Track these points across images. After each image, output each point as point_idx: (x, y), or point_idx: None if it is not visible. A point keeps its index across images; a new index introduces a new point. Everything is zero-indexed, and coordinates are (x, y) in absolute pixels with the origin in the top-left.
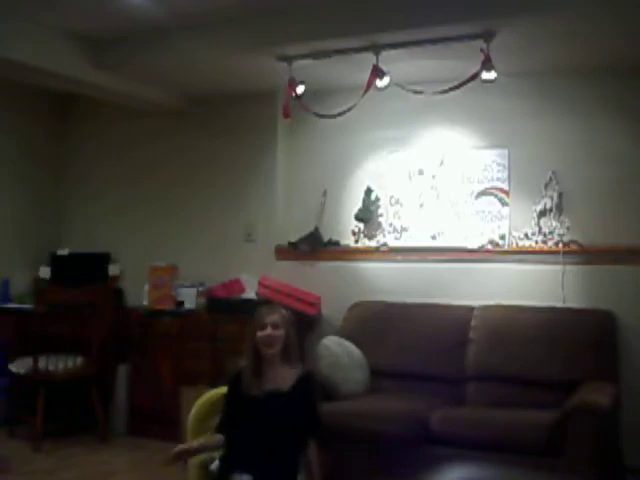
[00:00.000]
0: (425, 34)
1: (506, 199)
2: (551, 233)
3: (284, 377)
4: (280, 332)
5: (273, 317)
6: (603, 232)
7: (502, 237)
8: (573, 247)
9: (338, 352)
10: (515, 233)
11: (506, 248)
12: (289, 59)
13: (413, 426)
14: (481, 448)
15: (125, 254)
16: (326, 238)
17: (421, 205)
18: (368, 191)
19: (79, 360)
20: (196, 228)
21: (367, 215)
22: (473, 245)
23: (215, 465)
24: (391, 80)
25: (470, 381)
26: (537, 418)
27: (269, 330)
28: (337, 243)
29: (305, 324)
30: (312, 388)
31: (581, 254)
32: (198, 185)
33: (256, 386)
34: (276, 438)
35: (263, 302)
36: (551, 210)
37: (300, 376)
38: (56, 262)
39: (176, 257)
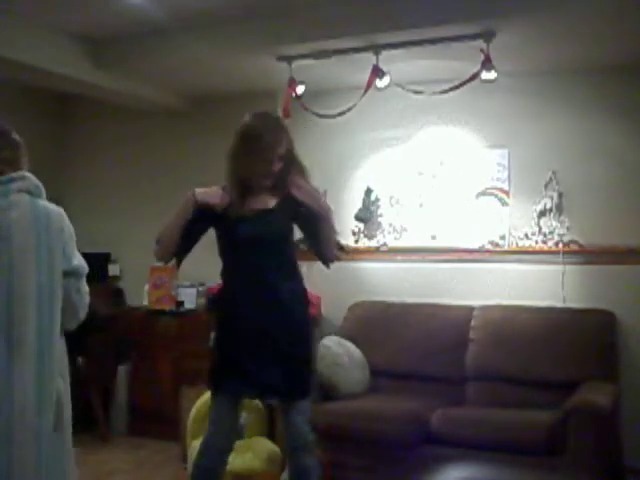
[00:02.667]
0: (425, 34)
1: (506, 199)
2: (551, 233)
3: (267, 200)
4: (280, 165)
5: (281, 149)
6: (603, 232)
7: (502, 237)
8: (573, 247)
9: (338, 352)
10: (515, 233)
11: (506, 248)
12: (289, 59)
13: (413, 426)
14: (481, 448)
15: (125, 254)
16: None
17: (421, 205)
18: (368, 191)
19: (79, 360)
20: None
21: (367, 215)
22: (473, 245)
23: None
24: (391, 80)
25: (470, 381)
26: (537, 418)
27: (277, 165)
28: (337, 243)
29: None
30: (297, 200)
31: (581, 254)
32: (198, 184)
33: (244, 209)
34: (271, 250)
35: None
36: (551, 210)
37: (283, 197)
38: None
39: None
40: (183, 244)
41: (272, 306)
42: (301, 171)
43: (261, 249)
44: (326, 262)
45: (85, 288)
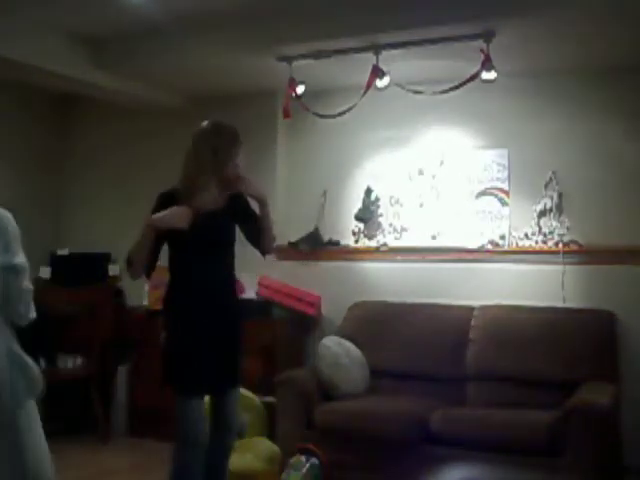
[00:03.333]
0: (425, 34)
1: (506, 199)
2: (551, 233)
3: (216, 199)
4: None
5: (239, 157)
6: (603, 232)
7: (502, 237)
8: (573, 247)
9: (338, 352)
10: (515, 233)
11: (506, 248)
12: (289, 59)
13: (413, 426)
14: (481, 448)
15: (125, 254)
16: (326, 238)
17: (421, 205)
18: (368, 191)
19: (79, 360)
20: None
21: (367, 215)
22: (473, 245)
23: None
24: (391, 80)
25: (470, 381)
26: (537, 418)
27: (241, 170)
28: (337, 243)
29: (305, 324)
30: (244, 202)
31: (581, 254)
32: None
33: (199, 205)
34: (222, 252)
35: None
36: (551, 210)
37: (230, 197)
38: (56, 262)
39: None
40: (150, 260)
41: (219, 308)
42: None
43: (211, 250)
44: (264, 253)
45: (26, 285)
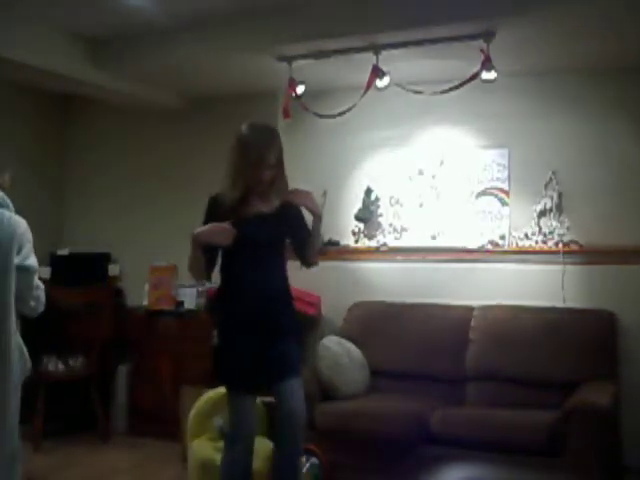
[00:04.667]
0: (425, 34)
1: (506, 199)
2: (551, 233)
3: (267, 203)
4: (274, 171)
5: (270, 158)
6: (603, 232)
7: (502, 237)
8: (573, 247)
9: (338, 352)
10: (515, 233)
11: (506, 248)
12: (289, 59)
13: (413, 426)
14: (481, 448)
15: (125, 254)
16: (326, 238)
17: (421, 205)
18: (368, 191)
19: (79, 360)
20: (196, 228)
21: (367, 215)
22: (473, 245)
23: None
24: (391, 80)
25: (470, 381)
26: (537, 418)
27: (267, 174)
28: (337, 243)
29: (305, 324)
30: (296, 211)
31: (581, 254)
32: (198, 185)
33: (244, 212)
34: (268, 255)
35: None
36: (551, 210)
37: (283, 204)
38: (56, 262)
39: (176, 257)
40: (208, 264)
41: (267, 305)
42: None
43: (258, 250)
44: (308, 265)
45: (36, 282)
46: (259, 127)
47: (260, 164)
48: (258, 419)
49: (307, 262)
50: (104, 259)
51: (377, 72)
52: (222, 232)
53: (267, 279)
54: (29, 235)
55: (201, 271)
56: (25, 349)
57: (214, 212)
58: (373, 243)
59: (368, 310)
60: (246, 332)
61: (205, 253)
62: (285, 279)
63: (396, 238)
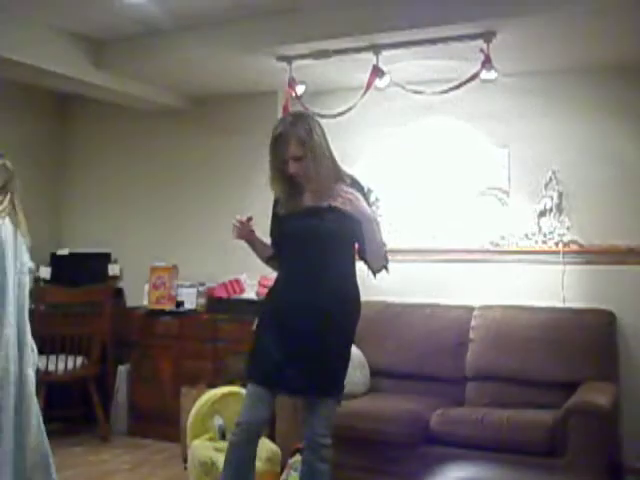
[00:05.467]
0: (425, 34)
1: (506, 199)
2: (551, 233)
3: (317, 197)
4: (304, 162)
5: (291, 149)
6: (603, 232)
7: (502, 237)
8: (573, 247)
9: None
10: (515, 233)
11: (506, 248)
12: (289, 59)
13: (413, 426)
14: (481, 448)
15: (125, 254)
16: None
17: (421, 205)
18: (368, 191)
19: (79, 360)
20: (196, 228)
21: None
22: (473, 245)
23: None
24: (391, 80)
25: (470, 381)
26: (537, 418)
27: (292, 167)
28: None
29: None
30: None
31: (581, 254)
32: (198, 185)
33: (293, 206)
34: (324, 250)
35: (283, 118)
36: (551, 210)
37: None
38: (56, 262)
39: (176, 257)
40: (268, 256)
41: (310, 301)
42: (338, 174)
43: (305, 245)
44: (373, 273)
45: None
46: (284, 117)
47: (277, 158)
48: (268, 416)
49: (370, 268)
50: (104, 259)
51: (377, 72)
52: (234, 227)
53: (309, 280)
54: (27, 237)
55: (264, 260)
56: (34, 343)
57: (274, 209)
58: None
59: (368, 310)
60: (270, 332)
61: (262, 243)
62: (343, 282)
63: (396, 238)
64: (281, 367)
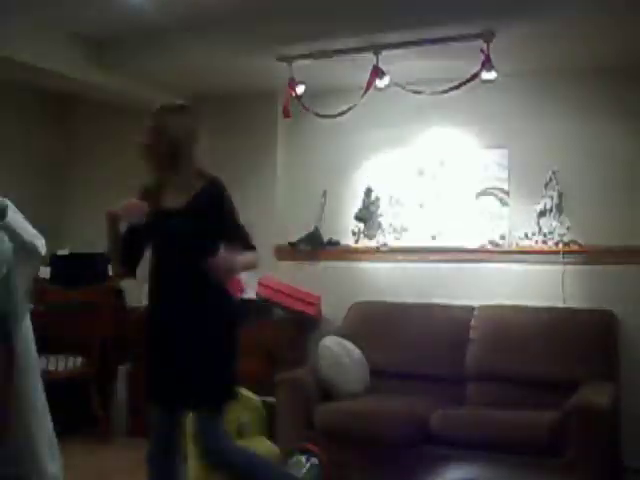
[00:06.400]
0: (425, 34)
1: (506, 199)
2: (551, 233)
3: (181, 194)
4: (155, 158)
5: (158, 147)
6: (603, 232)
7: (502, 237)
8: (573, 247)
9: (338, 352)
10: (515, 233)
11: (506, 248)
12: (289, 59)
13: (413, 426)
14: (481, 448)
15: None
16: (326, 238)
17: (421, 205)
18: (368, 191)
19: (79, 360)
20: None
21: (367, 215)
22: (473, 245)
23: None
24: (391, 80)
25: (470, 381)
26: (537, 418)
27: (157, 161)
28: (337, 243)
29: (305, 324)
30: (215, 198)
31: (581, 254)
32: None
33: (154, 207)
34: (180, 256)
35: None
36: (551, 210)
37: (201, 189)
38: (56, 262)
39: None
40: (130, 255)
41: (175, 309)
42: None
43: (166, 248)
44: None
45: None
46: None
47: (150, 152)
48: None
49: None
50: (104, 259)
51: (377, 72)
52: (132, 207)
53: (172, 276)
54: None
55: (118, 259)
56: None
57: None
58: (373, 243)
59: (368, 310)
60: (154, 328)
61: (130, 238)
62: (196, 275)
63: (396, 238)
64: (163, 381)
